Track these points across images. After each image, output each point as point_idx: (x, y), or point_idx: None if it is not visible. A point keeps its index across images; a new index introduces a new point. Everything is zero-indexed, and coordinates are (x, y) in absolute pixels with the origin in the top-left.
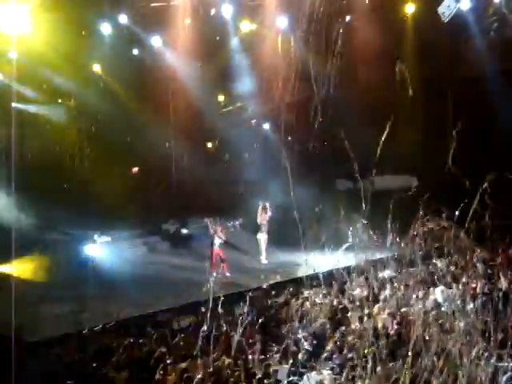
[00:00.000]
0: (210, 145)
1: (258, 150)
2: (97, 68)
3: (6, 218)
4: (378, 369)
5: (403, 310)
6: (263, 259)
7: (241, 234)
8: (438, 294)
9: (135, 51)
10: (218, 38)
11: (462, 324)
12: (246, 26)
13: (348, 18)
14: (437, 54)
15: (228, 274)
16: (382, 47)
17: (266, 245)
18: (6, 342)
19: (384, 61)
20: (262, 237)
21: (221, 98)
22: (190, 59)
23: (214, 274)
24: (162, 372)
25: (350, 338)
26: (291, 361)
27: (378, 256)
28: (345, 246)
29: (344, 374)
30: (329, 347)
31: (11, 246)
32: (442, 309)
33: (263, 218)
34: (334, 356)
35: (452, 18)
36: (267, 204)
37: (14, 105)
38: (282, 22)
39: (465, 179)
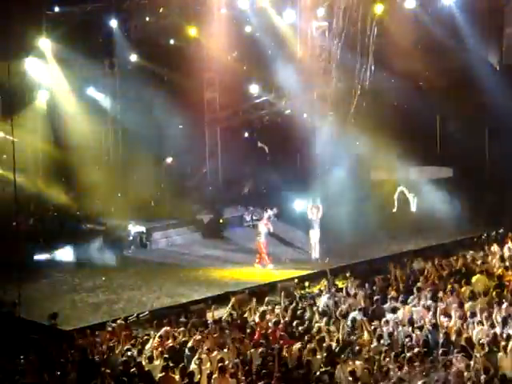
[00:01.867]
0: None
1: None
2: None
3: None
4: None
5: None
6: (315, 254)
7: (276, 224)
8: None
9: None
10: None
11: None
12: (285, 18)
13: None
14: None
15: (260, 266)
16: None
17: (317, 241)
18: (42, 329)
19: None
20: (314, 233)
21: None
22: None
23: (257, 265)
24: (197, 362)
25: (384, 329)
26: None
27: None
28: None
29: (376, 365)
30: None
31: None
32: None
33: (314, 214)
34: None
35: None
36: (318, 200)
37: None
38: (319, 12)
39: None
